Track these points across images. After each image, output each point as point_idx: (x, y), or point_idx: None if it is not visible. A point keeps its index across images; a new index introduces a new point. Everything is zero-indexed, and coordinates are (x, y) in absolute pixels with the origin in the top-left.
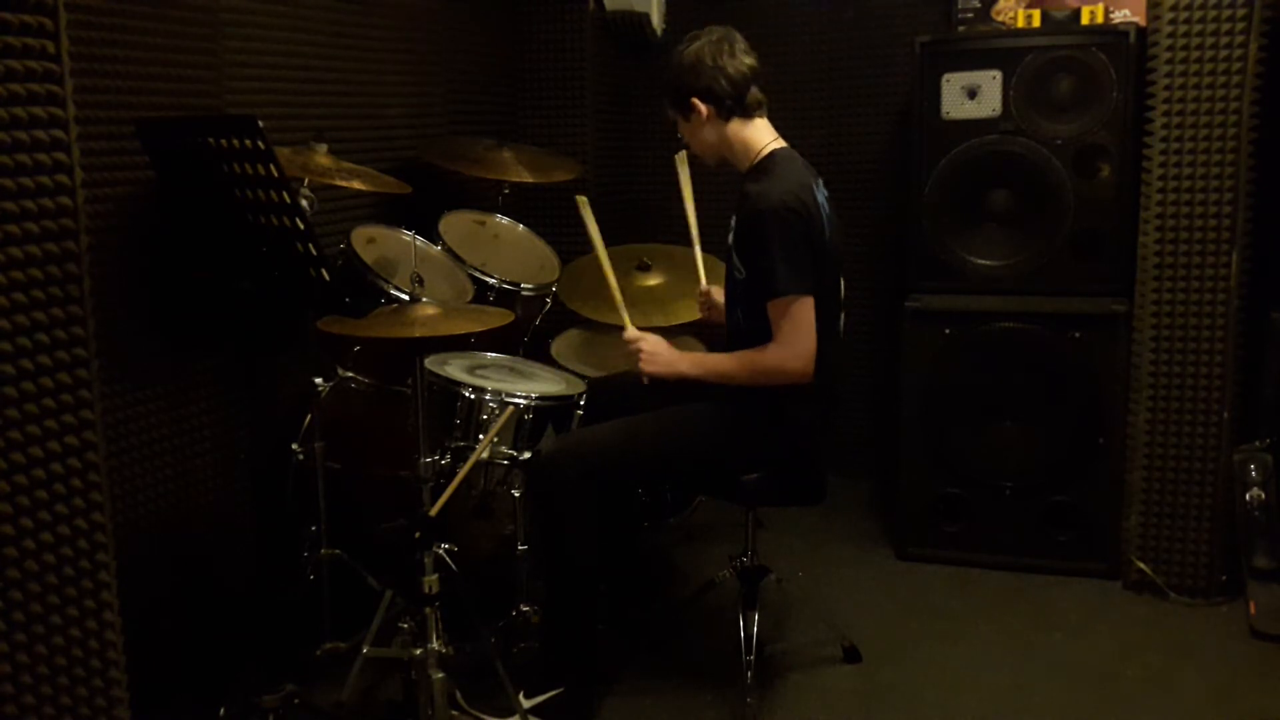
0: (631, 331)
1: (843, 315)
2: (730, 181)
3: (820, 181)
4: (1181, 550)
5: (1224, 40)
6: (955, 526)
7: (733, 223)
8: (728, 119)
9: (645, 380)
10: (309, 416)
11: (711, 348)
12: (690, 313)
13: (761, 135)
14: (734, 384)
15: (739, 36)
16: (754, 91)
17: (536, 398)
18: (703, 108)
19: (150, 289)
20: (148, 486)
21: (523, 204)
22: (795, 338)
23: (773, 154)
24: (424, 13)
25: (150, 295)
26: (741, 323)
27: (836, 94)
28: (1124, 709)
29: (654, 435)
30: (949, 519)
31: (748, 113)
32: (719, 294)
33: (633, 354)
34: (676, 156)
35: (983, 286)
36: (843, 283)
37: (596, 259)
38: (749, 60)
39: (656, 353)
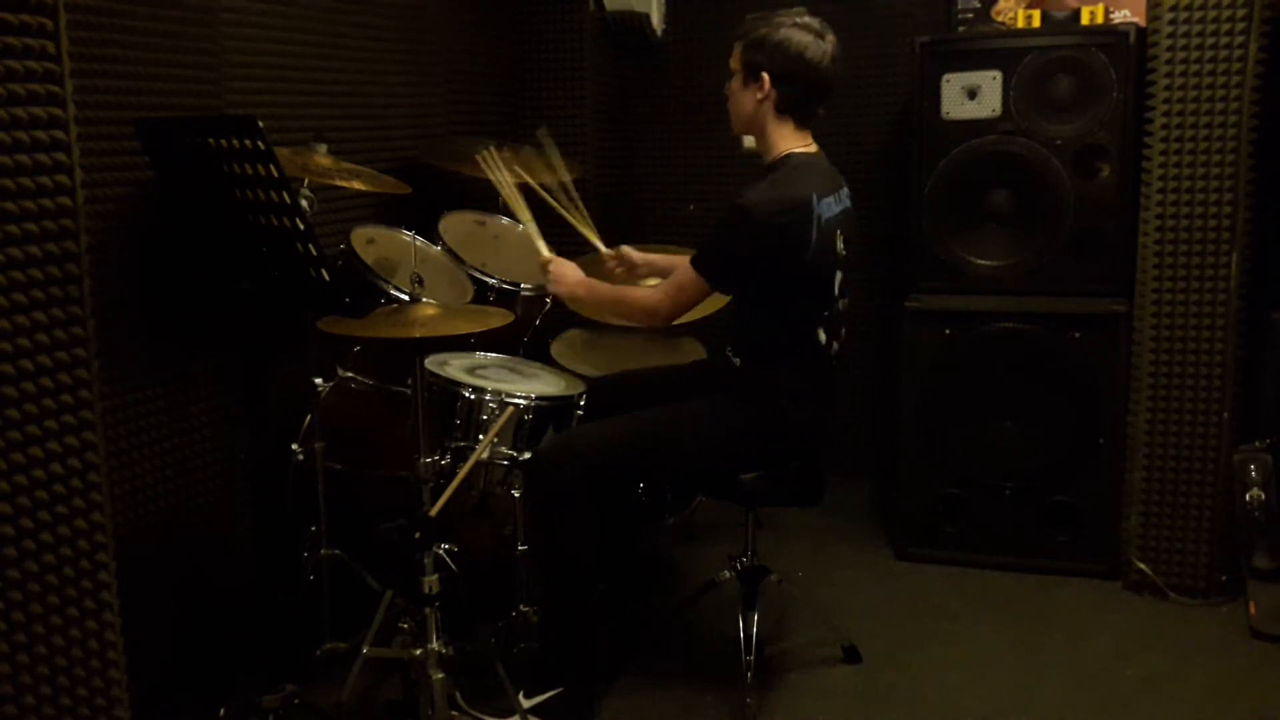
0: (546, 254)
1: (842, 330)
2: (734, 183)
3: (842, 191)
4: (1181, 550)
5: (1224, 40)
6: (955, 526)
7: None
8: (780, 111)
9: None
10: (309, 417)
11: (712, 349)
12: (690, 313)
13: (790, 142)
14: (602, 308)
15: (838, 49)
16: (818, 106)
17: (536, 398)
18: (769, 86)
19: (150, 289)
20: (148, 487)
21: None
22: (670, 300)
23: (789, 156)
24: (424, 13)
25: (150, 295)
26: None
27: (837, 94)
28: (1124, 709)
29: (652, 433)
30: (949, 519)
31: (801, 119)
32: (629, 252)
33: (545, 275)
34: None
35: (983, 286)
36: (844, 289)
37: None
38: (833, 72)
39: (563, 275)
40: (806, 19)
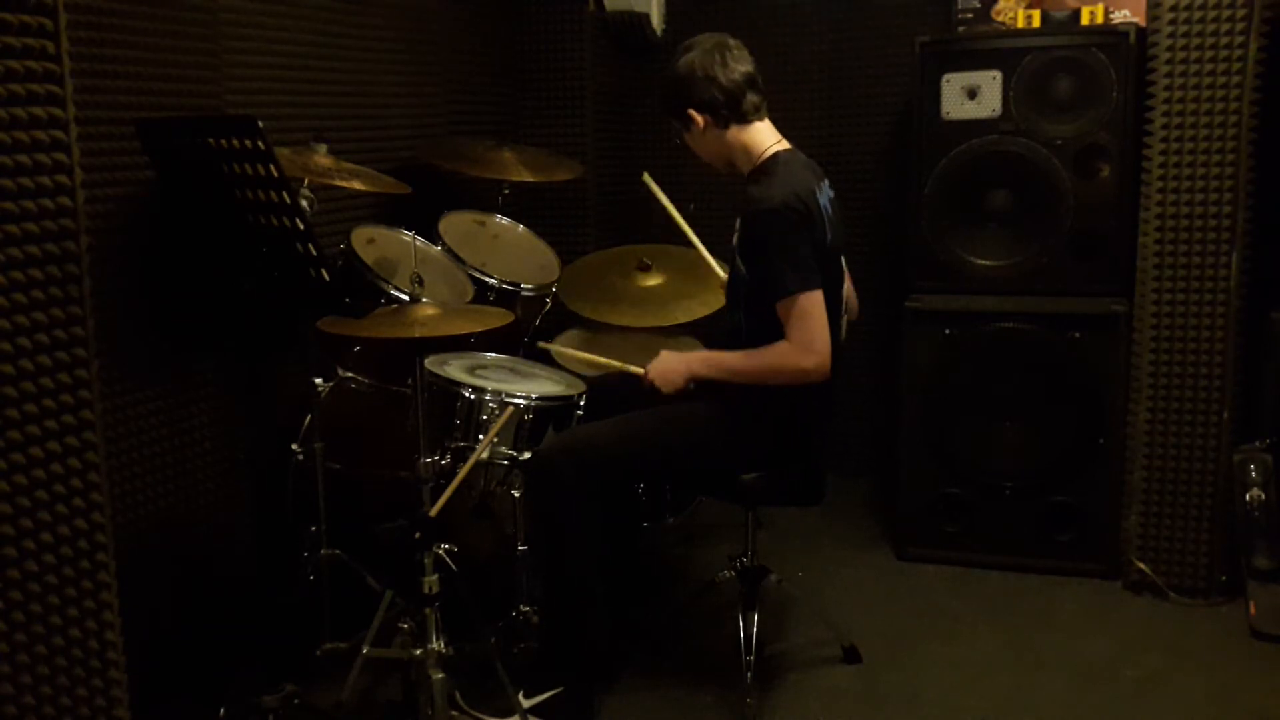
0: (638, 371)
1: (845, 319)
2: (736, 184)
3: (825, 183)
4: (1181, 550)
5: (1224, 40)
6: (955, 526)
7: (737, 225)
8: (725, 126)
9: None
10: (309, 417)
11: (710, 349)
12: (690, 313)
13: (763, 138)
14: (747, 381)
15: (732, 43)
16: (750, 98)
17: (536, 398)
18: (699, 118)
19: (150, 289)
20: (147, 486)
21: (523, 204)
22: (808, 335)
23: (775, 155)
24: (424, 13)
25: (150, 295)
26: (742, 325)
27: (836, 94)
28: (1124, 709)
29: (652, 433)
30: (949, 519)
31: (744, 119)
32: None
33: (653, 391)
34: (644, 178)
35: (983, 286)
36: (848, 286)
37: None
38: (742, 67)
39: (667, 371)
40: (687, 44)
